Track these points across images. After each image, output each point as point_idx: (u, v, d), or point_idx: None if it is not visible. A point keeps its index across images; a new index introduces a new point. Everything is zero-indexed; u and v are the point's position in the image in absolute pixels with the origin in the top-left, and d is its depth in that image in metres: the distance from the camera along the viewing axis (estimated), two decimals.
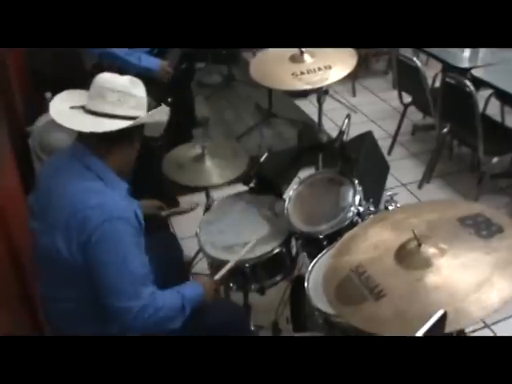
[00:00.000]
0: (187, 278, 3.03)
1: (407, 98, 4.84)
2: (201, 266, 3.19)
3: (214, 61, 6.08)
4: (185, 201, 3.96)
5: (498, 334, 3.04)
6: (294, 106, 5.67)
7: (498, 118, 4.77)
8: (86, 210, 1.89)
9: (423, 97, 4.36)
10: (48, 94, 3.69)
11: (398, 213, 2.10)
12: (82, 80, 2.18)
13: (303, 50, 2.81)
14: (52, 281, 2.08)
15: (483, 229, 1.73)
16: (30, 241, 2.15)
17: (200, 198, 3.38)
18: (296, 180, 3.01)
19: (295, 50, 2.86)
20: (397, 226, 1.90)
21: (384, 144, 4.80)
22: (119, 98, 2.00)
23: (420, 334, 1.25)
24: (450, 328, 1.38)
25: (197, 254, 3.31)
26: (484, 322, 3.09)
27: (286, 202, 2.71)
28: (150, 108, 2.17)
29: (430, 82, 4.69)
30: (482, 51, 4.38)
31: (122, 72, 2.14)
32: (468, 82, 3.73)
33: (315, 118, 5.13)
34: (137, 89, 2.08)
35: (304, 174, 3.07)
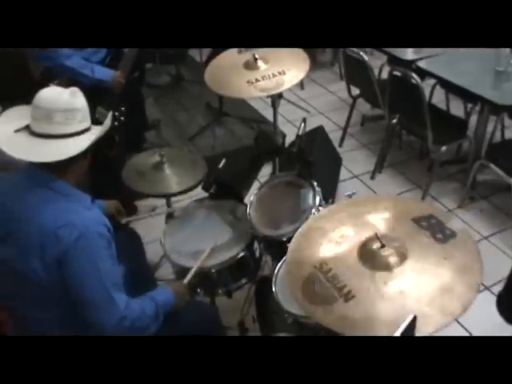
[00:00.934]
0: (152, 275, 3.10)
1: (355, 91, 4.93)
2: (165, 271, 3.23)
3: (161, 61, 6.04)
4: (143, 205, 3.97)
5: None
6: (244, 104, 5.67)
7: (443, 106, 4.91)
8: (56, 230, 1.89)
9: (371, 89, 4.46)
10: None
11: (353, 206, 2.10)
12: (28, 89, 2.11)
13: (256, 56, 2.84)
14: (28, 302, 2.07)
15: (438, 232, 1.78)
16: None
17: (158, 202, 3.40)
18: (256, 184, 3.05)
19: (249, 56, 2.89)
20: (355, 222, 1.91)
21: (335, 136, 4.90)
22: (66, 117, 1.96)
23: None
24: (417, 333, 1.43)
25: (161, 259, 3.33)
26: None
27: (248, 206, 2.75)
28: (102, 116, 2.16)
29: (376, 72, 4.78)
30: None
31: (72, 82, 2.12)
32: (414, 75, 3.83)
33: (266, 114, 5.25)
34: (79, 99, 2.02)
35: (262, 174, 3.13)
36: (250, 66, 2.88)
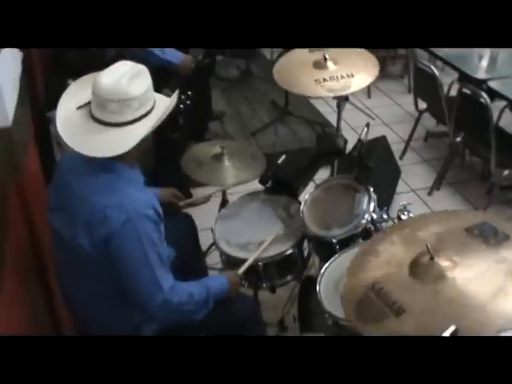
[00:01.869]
0: (203, 260, 3.15)
1: (422, 104, 4.88)
2: (213, 258, 3.27)
3: (232, 55, 6.09)
4: (198, 193, 4.01)
5: None
6: (309, 106, 5.69)
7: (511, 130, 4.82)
8: (105, 209, 1.92)
9: (438, 105, 4.40)
10: (70, 81, 3.73)
11: (405, 227, 2.10)
12: (101, 69, 2.07)
13: (327, 56, 2.85)
14: (74, 272, 2.14)
15: (491, 237, 1.76)
16: (48, 227, 2.20)
17: (213, 190, 3.44)
18: (312, 184, 3.07)
19: (319, 56, 2.89)
20: (405, 241, 1.92)
21: (396, 148, 4.85)
22: (120, 107, 1.93)
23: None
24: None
25: (210, 247, 3.39)
26: None
27: (302, 204, 2.76)
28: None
29: (445, 88, 4.73)
30: (500, 63, 4.41)
31: (144, 63, 2.07)
32: (484, 94, 3.77)
33: (330, 118, 5.25)
34: (137, 86, 1.95)
35: (320, 176, 3.13)
36: (320, 65, 2.88)
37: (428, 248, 1.73)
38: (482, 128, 3.85)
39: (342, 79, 2.76)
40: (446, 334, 1.34)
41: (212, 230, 2.83)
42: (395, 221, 2.46)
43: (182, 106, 3.36)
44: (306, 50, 3.00)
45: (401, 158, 5.01)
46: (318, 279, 2.38)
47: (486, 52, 4.44)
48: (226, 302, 2.30)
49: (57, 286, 2.36)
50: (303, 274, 2.84)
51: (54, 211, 2.14)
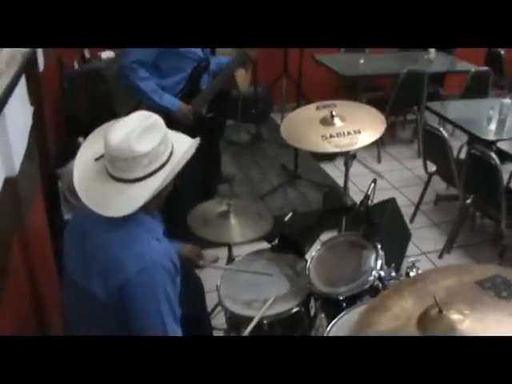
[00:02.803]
0: (209, 321, 3.10)
1: (432, 167, 4.89)
2: (218, 319, 3.19)
3: (243, 119, 6.18)
4: (206, 254, 3.98)
5: None
6: (319, 169, 5.73)
7: None
8: (123, 258, 1.91)
9: (448, 167, 4.41)
10: (81, 139, 3.78)
11: (415, 282, 2.08)
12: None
13: (334, 113, 2.86)
14: (83, 314, 2.11)
15: (503, 290, 1.73)
16: (51, 280, 2.18)
17: (220, 253, 3.41)
18: (318, 241, 3.04)
19: (326, 113, 2.91)
20: (415, 294, 1.88)
21: (406, 212, 4.84)
22: (129, 165, 1.90)
23: None
24: None
25: (215, 307, 3.33)
26: None
27: (308, 262, 2.73)
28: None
29: (455, 152, 4.74)
30: (508, 124, 4.43)
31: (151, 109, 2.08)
32: (493, 155, 3.78)
33: (340, 182, 5.24)
34: (147, 142, 1.91)
35: (326, 236, 3.10)
36: (327, 121, 2.89)
37: (436, 300, 1.70)
38: (492, 189, 3.84)
39: (348, 135, 2.76)
40: None
41: (217, 287, 2.79)
42: (403, 278, 2.42)
43: None
44: (313, 108, 3.03)
45: (411, 221, 4.98)
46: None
47: (495, 115, 4.46)
48: None
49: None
50: (310, 334, 2.77)
51: (71, 259, 2.13)
